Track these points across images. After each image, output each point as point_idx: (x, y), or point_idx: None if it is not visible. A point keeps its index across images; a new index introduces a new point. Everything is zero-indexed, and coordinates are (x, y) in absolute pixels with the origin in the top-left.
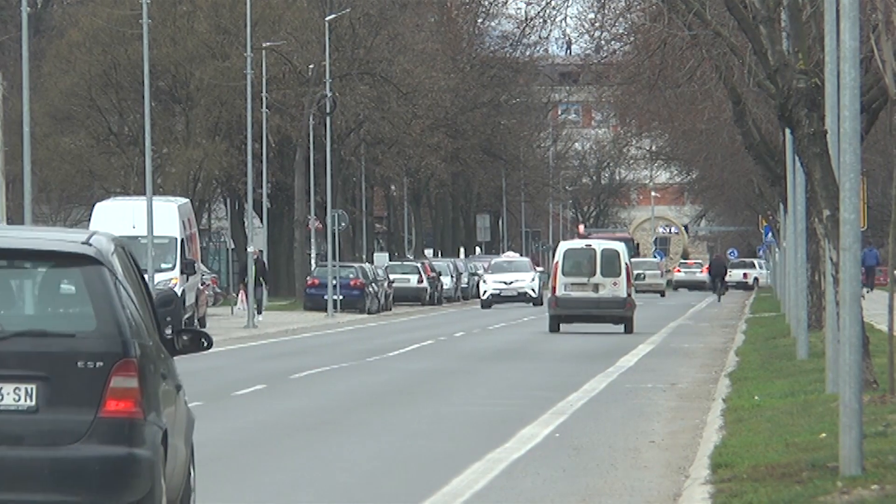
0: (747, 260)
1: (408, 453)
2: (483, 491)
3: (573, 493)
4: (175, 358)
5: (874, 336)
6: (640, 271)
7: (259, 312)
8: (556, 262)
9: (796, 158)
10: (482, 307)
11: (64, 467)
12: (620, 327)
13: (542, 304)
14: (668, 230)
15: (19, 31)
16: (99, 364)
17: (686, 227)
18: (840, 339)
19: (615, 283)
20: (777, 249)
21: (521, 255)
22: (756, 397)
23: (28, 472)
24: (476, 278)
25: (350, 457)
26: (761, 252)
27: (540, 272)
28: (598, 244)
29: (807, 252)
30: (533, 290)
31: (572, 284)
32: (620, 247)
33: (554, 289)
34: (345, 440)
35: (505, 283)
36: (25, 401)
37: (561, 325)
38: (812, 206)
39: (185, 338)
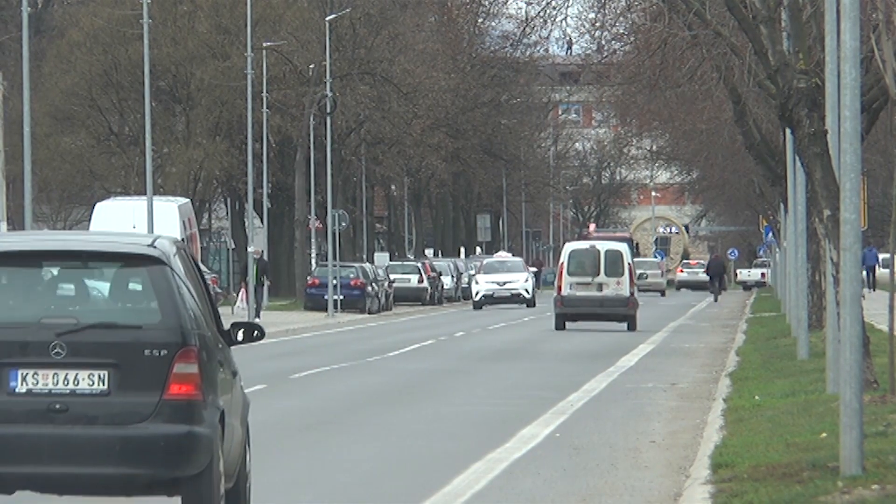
0: (766, 259)
1: (408, 453)
2: (483, 491)
3: (573, 493)
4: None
5: (874, 336)
6: (642, 271)
7: (257, 315)
8: (562, 263)
9: (797, 158)
10: (474, 308)
11: (133, 444)
12: (624, 325)
13: (535, 305)
14: (668, 230)
15: (19, 31)
16: (163, 352)
17: (686, 227)
18: (840, 339)
19: (618, 283)
20: (777, 249)
21: (522, 255)
22: (757, 397)
23: (101, 449)
24: None
25: (350, 457)
26: (761, 252)
27: (533, 272)
28: (602, 245)
29: (807, 252)
30: (526, 290)
31: (577, 284)
32: (623, 247)
33: (559, 288)
34: (345, 440)
35: (497, 283)
36: (99, 385)
37: (566, 323)
38: (812, 206)
39: (240, 330)
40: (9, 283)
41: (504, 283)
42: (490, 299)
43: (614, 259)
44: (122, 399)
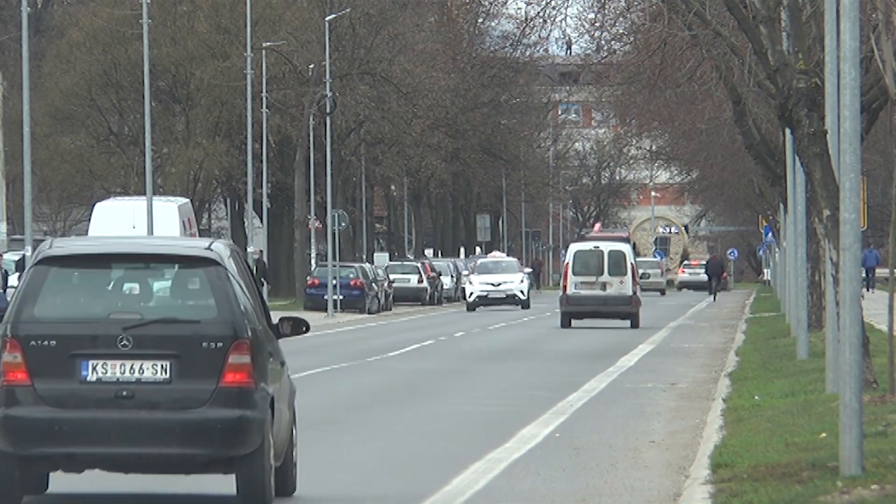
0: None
1: (408, 453)
2: (483, 490)
3: (573, 493)
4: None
5: (874, 336)
6: (644, 270)
7: None
8: (567, 263)
9: (796, 158)
10: (467, 310)
11: (192, 427)
12: (627, 323)
13: (530, 307)
14: (668, 230)
15: (19, 30)
16: (219, 344)
17: (686, 227)
18: (840, 339)
19: (622, 282)
20: (777, 249)
21: (522, 255)
22: (756, 397)
23: (164, 431)
24: None
25: (350, 456)
26: (761, 252)
27: (529, 273)
28: (606, 246)
29: (807, 252)
30: (521, 292)
31: (582, 283)
32: (626, 248)
33: (565, 287)
34: (345, 440)
35: (492, 284)
36: (161, 374)
37: (572, 321)
38: (812, 206)
39: (287, 324)
40: (81, 283)
41: (498, 285)
42: (484, 301)
43: (617, 259)
44: (182, 386)
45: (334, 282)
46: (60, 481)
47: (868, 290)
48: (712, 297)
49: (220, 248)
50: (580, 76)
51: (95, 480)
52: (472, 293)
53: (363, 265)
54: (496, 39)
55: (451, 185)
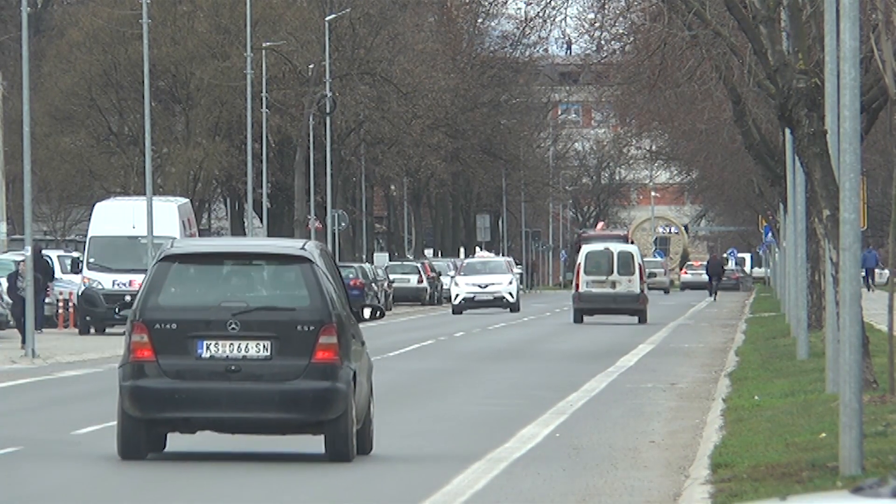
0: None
1: (407, 453)
2: (483, 490)
3: (573, 493)
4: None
5: (874, 336)
6: (650, 270)
7: None
8: (579, 263)
9: (796, 158)
10: (453, 312)
11: (288, 396)
12: (635, 319)
13: (519, 310)
14: (668, 230)
15: (19, 30)
16: (311, 328)
17: (686, 227)
18: (840, 339)
19: (630, 281)
20: (777, 249)
21: (521, 255)
22: (756, 397)
23: (265, 399)
24: None
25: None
26: (761, 252)
27: (518, 274)
28: (615, 247)
29: (807, 252)
30: (510, 294)
31: (593, 282)
32: (634, 249)
33: (577, 286)
34: None
35: (479, 286)
36: (263, 352)
37: (584, 316)
38: (812, 206)
39: (367, 310)
40: (196, 276)
41: (486, 286)
42: (470, 303)
43: (626, 260)
44: (280, 362)
45: None
46: (176, 441)
47: (868, 290)
48: (712, 296)
49: (312, 248)
50: (580, 76)
51: (206, 441)
52: (457, 295)
53: (363, 265)
54: (496, 39)
55: (451, 185)
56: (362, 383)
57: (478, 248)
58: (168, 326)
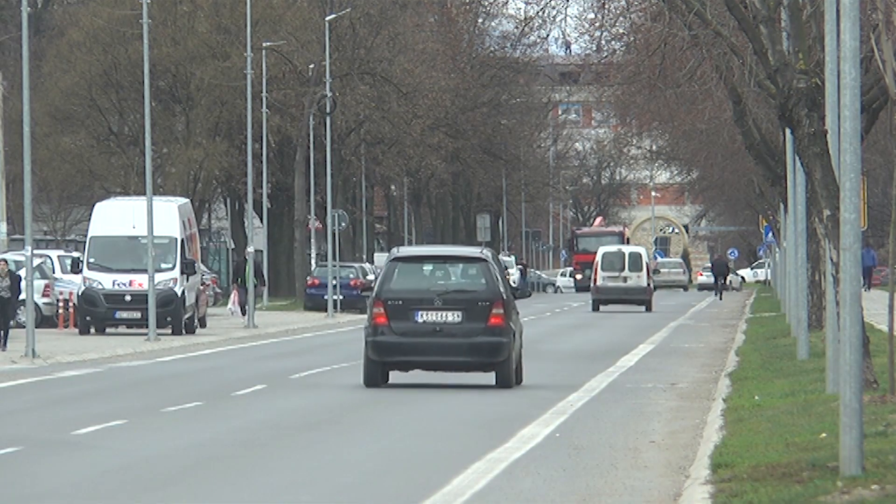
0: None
1: (408, 453)
2: (483, 490)
3: (573, 493)
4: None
5: (874, 336)
6: (668, 270)
7: (243, 313)
8: (596, 262)
9: (796, 158)
10: None
11: (472, 346)
12: (642, 308)
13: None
14: (668, 230)
15: (19, 30)
16: (487, 303)
17: (686, 227)
18: (840, 339)
19: (639, 276)
20: (777, 249)
21: (521, 255)
22: (756, 397)
23: (458, 348)
24: None
25: (350, 457)
26: (761, 252)
27: (520, 270)
28: (627, 248)
29: (807, 252)
30: None
31: (608, 277)
32: (642, 250)
33: (595, 280)
34: (345, 440)
35: None
36: (456, 319)
37: (600, 306)
38: (812, 206)
39: (517, 290)
40: (413, 270)
41: None
42: None
43: (636, 258)
44: (467, 325)
45: (334, 282)
46: (395, 377)
47: (867, 289)
48: (718, 296)
49: (487, 252)
50: (580, 76)
51: (414, 377)
52: None
53: (363, 265)
54: (496, 39)
55: (451, 185)
56: (518, 340)
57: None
58: (396, 302)
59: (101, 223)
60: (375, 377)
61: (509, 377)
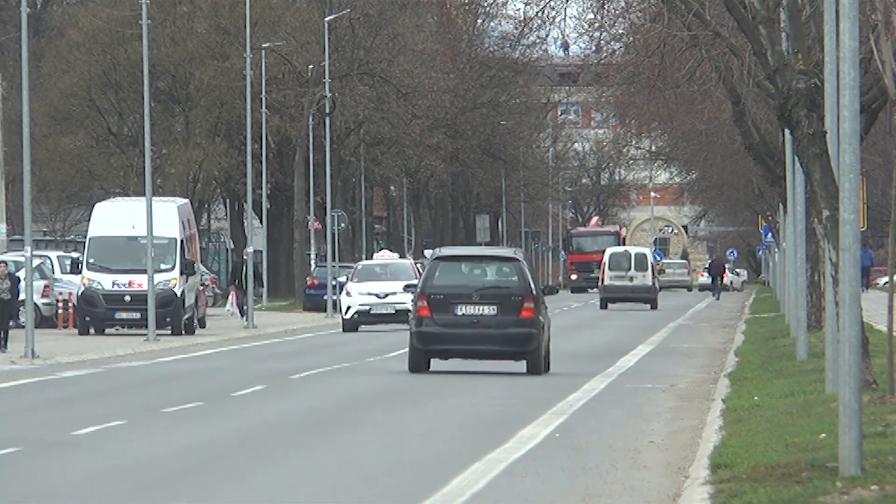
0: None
1: (408, 453)
2: (483, 491)
3: (573, 493)
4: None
5: (874, 336)
6: (673, 270)
7: (242, 314)
8: (604, 262)
9: (796, 159)
10: (343, 330)
11: (506, 337)
12: (648, 306)
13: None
14: (667, 230)
15: (19, 31)
16: (519, 298)
17: (686, 228)
18: (840, 340)
19: (644, 276)
20: (777, 250)
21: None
22: (756, 398)
23: (493, 339)
24: None
25: (350, 457)
26: (761, 252)
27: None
28: (633, 249)
29: (806, 252)
30: None
31: (615, 276)
32: (647, 250)
33: (603, 280)
34: (345, 440)
35: (377, 296)
36: (492, 312)
37: (608, 304)
38: (812, 206)
39: (547, 288)
40: (453, 268)
41: (385, 296)
42: (366, 317)
43: (641, 259)
44: (502, 318)
45: (334, 282)
46: (435, 364)
47: (865, 289)
48: (716, 296)
49: (519, 253)
50: (579, 77)
51: (452, 364)
52: (349, 307)
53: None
54: (495, 40)
55: (450, 185)
56: (546, 331)
57: (381, 248)
58: (438, 296)
59: (101, 224)
60: (420, 363)
61: (539, 365)
